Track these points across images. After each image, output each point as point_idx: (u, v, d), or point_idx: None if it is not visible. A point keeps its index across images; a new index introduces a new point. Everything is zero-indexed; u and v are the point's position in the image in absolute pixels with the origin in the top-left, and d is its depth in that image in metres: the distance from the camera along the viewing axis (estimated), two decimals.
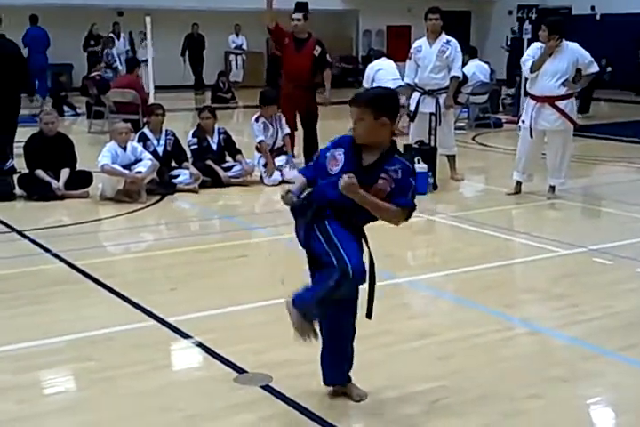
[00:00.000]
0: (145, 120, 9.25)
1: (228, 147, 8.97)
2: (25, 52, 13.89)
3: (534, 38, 8.97)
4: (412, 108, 8.90)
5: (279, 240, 6.75)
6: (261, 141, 8.99)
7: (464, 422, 3.53)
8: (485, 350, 4.27)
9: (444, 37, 8.74)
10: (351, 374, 3.68)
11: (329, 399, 3.68)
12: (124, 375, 3.97)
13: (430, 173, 8.42)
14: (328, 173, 3.43)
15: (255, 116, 9.12)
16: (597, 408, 3.79)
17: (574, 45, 7.87)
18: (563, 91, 7.80)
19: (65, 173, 8.07)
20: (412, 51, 8.91)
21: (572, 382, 3.92)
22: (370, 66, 13.30)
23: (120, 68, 17.48)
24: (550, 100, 7.80)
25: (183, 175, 8.49)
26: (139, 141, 8.40)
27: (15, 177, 8.16)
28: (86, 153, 9.09)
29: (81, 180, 8.19)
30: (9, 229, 6.86)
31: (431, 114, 8.74)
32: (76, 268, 5.71)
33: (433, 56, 8.68)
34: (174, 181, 8.44)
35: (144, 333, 4.54)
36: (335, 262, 3.28)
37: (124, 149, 8.02)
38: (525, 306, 5.20)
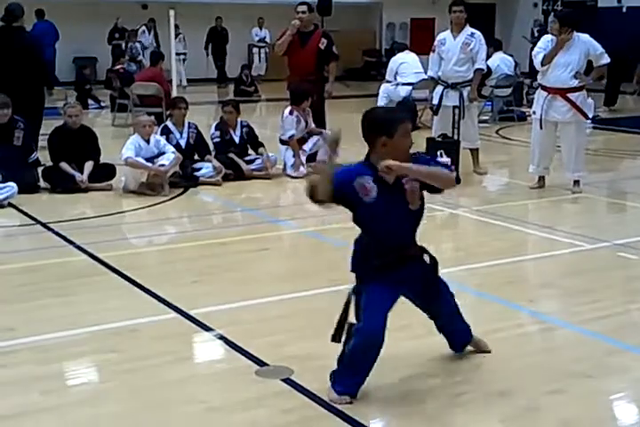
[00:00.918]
0: (168, 113, 9.27)
1: (251, 140, 8.97)
2: None
3: None
4: (436, 101, 8.85)
5: (301, 233, 6.75)
6: (292, 136, 8.95)
7: (485, 416, 3.52)
8: (507, 345, 4.24)
9: (469, 30, 8.66)
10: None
11: None
12: (147, 367, 3.99)
13: (453, 167, 8.36)
14: (363, 203, 3.49)
15: (289, 108, 9.01)
16: (621, 404, 3.75)
17: (585, 37, 7.82)
18: (575, 83, 7.77)
19: (89, 165, 8.11)
20: (435, 43, 8.84)
21: (596, 378, 3.89)
22: (393, 59, 13.25)
23: (144, 61, 17.55)
24: (562, 92, 7.78)
25: (206, 168, 8.51)
26: (162, 134, 8.42)
27: (39, 170, 8.22)
28: (110, 146, 9.14)
29: (104, 172, 8.23)
30: (33, 222, 6.91)
31: (454, 107, 8.68)
32: (99, 260, 5.75)
33: (457, 49, 8.61)
34: (197, 173, 8.46)
35: (166, 325, 4.56)
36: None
37: (148, 141, 8.05)
38: (548, 301, 5.17)
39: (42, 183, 8.12)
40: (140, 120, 8.32)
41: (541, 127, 7.93)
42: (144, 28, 19.38)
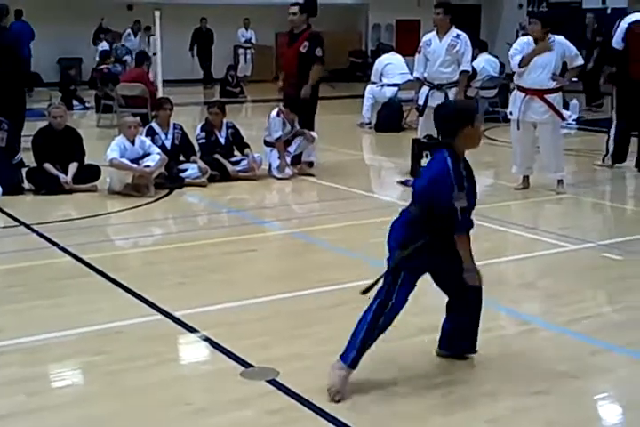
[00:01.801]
0: (153, 114, 9.24)
1: (237, 141, 8.95)
2: None
3: None
4: (421, 102, 8.86)
5: (287, 234, 6.75)
6: (279, 138, 8.93)
7: (472, 417, 3.53)
8: (492, 346, 4.25)
9: (454, 31, 8.69)
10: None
11: None
12: (132, 369, 3.98)
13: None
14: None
15: (276, 110, 8.96)
16: (606, 404, 3.78)
17: (560, 38, 7.89)
18: (552, 84, 7.83)
19: (73, 166, 8.08)
20: (421, 44, 8.86)
21: (581, 378, 3.91)
22: (378, 60, 13.27)
23: (129, 62, 17.49)
24: (540, 94, 7.84)
25: (191, 169, 8.49)
26: (147, 135, 8.40)
27: (23, 171, 8.18)
28: (95, 147, 9.10)
29: (89, 174, 8.20)
30: (17, 223, 6.87)
31: None
32: (84, 262, 5.72)
33: (442, 50, 8.63)
34: (182, 175, 8.44)
35: (152, 326, 4.55)
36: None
37: (133, 142, 8.03)
38: (533, 301, 5.19)
39: (26, 184, 8.07)
40: (126, 121, 8.30)
41: (518, 128, 8.01)
42: (129, 30, 19.31)
